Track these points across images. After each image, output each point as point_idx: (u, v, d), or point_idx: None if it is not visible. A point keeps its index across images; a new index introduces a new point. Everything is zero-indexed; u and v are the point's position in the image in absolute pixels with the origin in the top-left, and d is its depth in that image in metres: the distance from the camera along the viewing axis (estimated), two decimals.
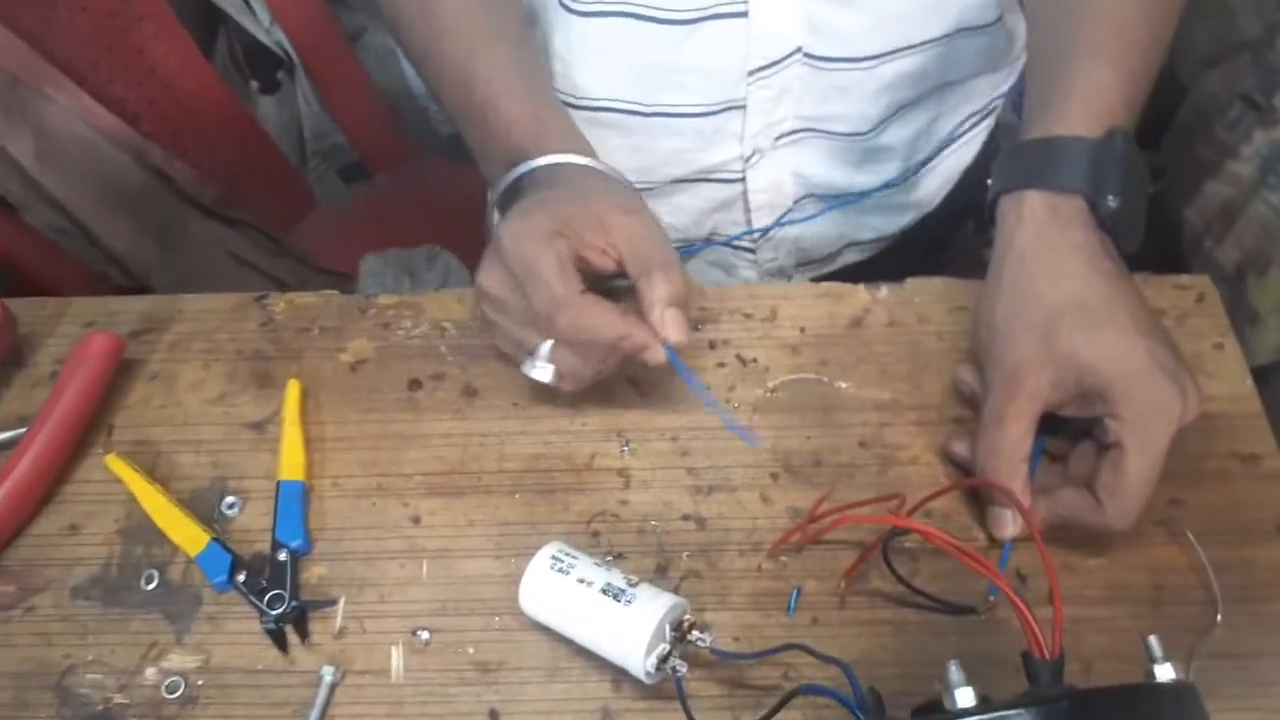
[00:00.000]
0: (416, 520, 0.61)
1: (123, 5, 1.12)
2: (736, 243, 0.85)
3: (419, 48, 0.69)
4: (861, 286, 0.69)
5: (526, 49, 0.71)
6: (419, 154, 1.49)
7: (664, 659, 0.50)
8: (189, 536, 0.59)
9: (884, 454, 0.62)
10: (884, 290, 0.69)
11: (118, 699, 0.55)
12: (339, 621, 0.57)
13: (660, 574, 0.58)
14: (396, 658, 0.56)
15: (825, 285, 0.70)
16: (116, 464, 0.61)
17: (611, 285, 0.60)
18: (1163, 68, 0.63)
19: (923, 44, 0.74)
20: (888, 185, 0.83)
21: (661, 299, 0.56)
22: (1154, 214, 0.60)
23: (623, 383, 0.65)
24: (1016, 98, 0.87)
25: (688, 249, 0.87)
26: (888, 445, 0.62)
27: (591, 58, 0.74)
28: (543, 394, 0.65)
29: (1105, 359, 0.53)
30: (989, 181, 0.61)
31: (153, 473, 0.62)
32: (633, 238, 0.58)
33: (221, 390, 0.66)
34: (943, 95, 0.81)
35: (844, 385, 0.65)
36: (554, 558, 0.54)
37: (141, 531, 0.60)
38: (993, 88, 0.85)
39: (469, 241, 1.12)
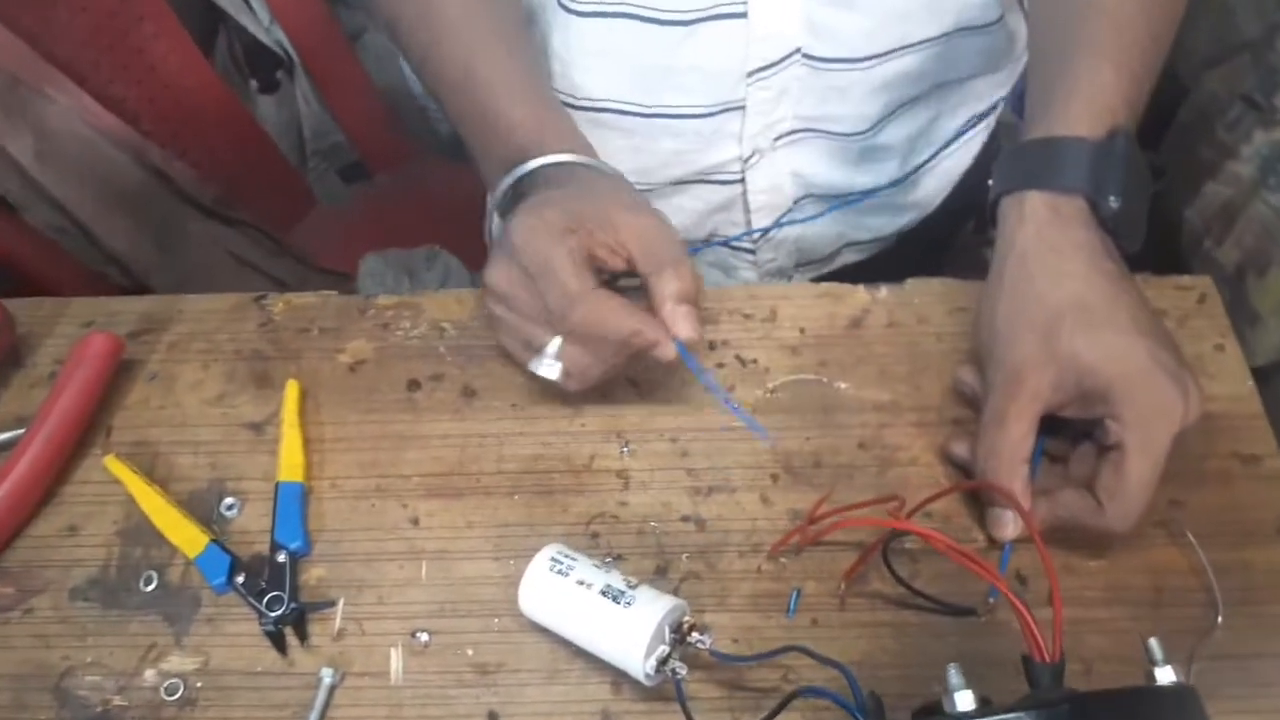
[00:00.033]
0: (415, 521, 0.60)
1: (123, 5, 1.12)
2: (736, 244, 0.85)
3: (419, 51, 0.69)
4: (861, 287, 0.69)
5: (527, 51, 0.71)
6: (419, 154, 1.49)
7: (664, 661, 0.50)
8: (188, 538, 0.59)
9: (883, 455, 0.62)
10: (884, 291, 0.69)
11: (116, 701, 0.55)
12: (338, 623, 0.57)
13: (660, 575, 0.58)
14: (395, 659, 0.56)
15: (825, 286, 0.69)
16: (115, 465, 0.61)
17: (618, 286, 0.60)
18: (1163, 67, 0.63)
19: (922, 43, 0.73)
20: (887, 185, 0.83)
21: (672, 295, 0.57)
22: (1154, 214, 0.59)
23: (622, 384, 0.65)
24: (1017, 98, 0.87)
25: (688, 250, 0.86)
26: (887, 446, 0.62)
27: (590, 58, 0.74)
28: (541, 395, 0.65)
29: (1106, 360, 0.53)
30: (990, 182, 0.61)
31: (151, 474, 0.62)
32: (643, 235, 0.58)
33: (220, 391, 0.66)
34: (943, 95, 0.81)
35: (843, 386, 0.65)
36: (553, 559, 0.54)
37: (140, 533, 0.60)
38: (994, 88, 0.85)
39: (469, 241, 1.12)
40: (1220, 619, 0.55)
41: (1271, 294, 0.87)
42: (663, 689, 0.53)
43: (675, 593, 0.57)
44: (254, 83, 1.39)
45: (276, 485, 0.61)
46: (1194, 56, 1.00)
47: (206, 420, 0.65)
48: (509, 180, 0.62)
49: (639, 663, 0.50)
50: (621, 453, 0.63)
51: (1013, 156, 0.60)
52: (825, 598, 0.57)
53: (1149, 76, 0.61)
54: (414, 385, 0.66)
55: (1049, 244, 0.56)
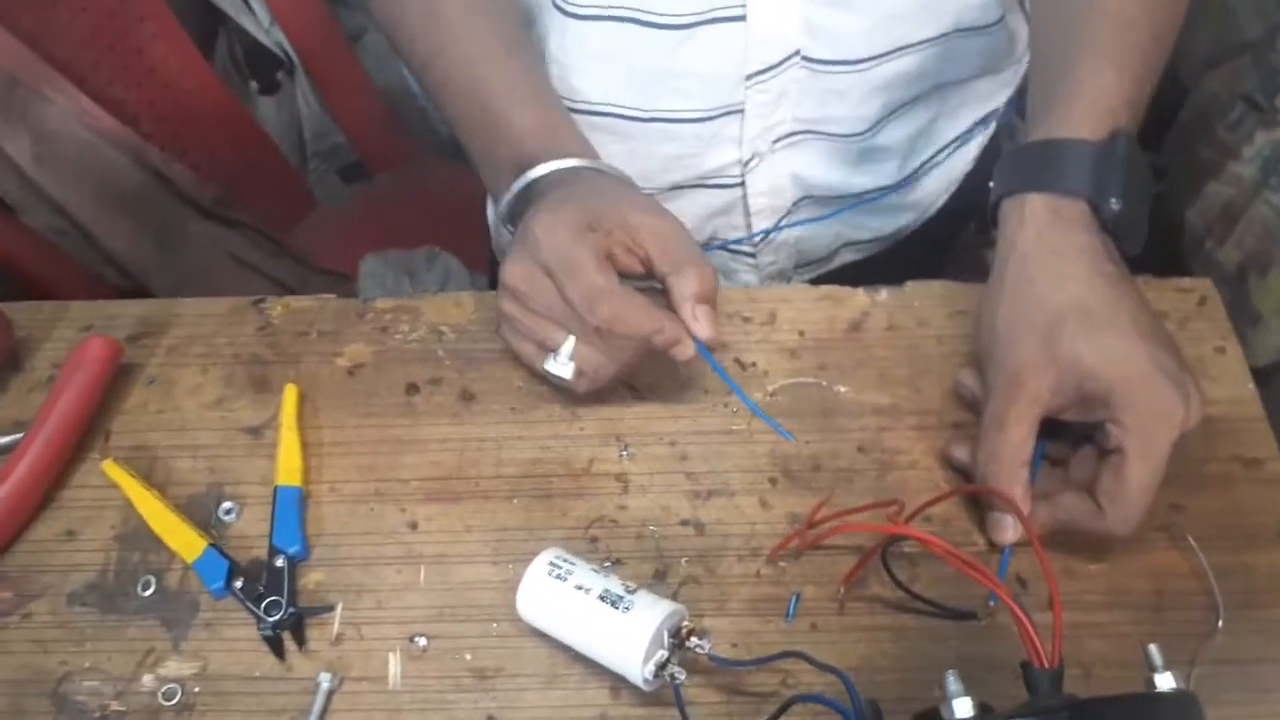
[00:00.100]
0: (414, 526, 0.60)
1: (122, 6, 1.12)
2: (736, 247, 0.85)
3: (420, 57, 0.69)
4: (861, 290, 0.69)
5: (531, 55, 0.71)
6: (419, 154, 1.49)
7: (662, 666, 0.50)
8: (186, 542, 0.59)
9: (883, 459, 0.62)
10: (883, 294, 0.69)
11: (114, 706, 0.55)
12: (336, 628, 0.57)
13: (658, 580, 0.58)
14: (394, 664, 0.56)
15: (824, 289, 0.69)
16: (113, 469, 0.61)
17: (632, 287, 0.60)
18: (1164, 68, 0.62)
19: (920, 44, 0.73)
20: (888, 186, 0.83)
21: (692, 295, 0.57)
22: (1155, 215, 0.59)
23: (621, 387, 0.64)
24: (1018, 98, 0.87)
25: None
26: (887, 450, 0.62)
27: (588, 62, 0.73)
28: (540, 399, 0.65)
29: (1107, 363, 0.53)
30: (991, 184, 0.61)
31: (149, 478, 0.62)
32: (660, 236, 0.58)
33: (219, 395, 0.66)
34: (943, 96, 0.81)
35: (843, 389, 0.65)
36: (551, 564, 0.53)
37: (138, 537, 0.60)
38: (996, 90, 0.85)
39: (469, 242, 1.12)
40: (1221, 623, 0.55)
41: (1273, 294, 0.87)
42: (661, 694, 0.53)
43: (674, 597, 0.57)
44: (254, 84, 1.39)
45: (275, 489, 0.61)
46: (1195, 57, 0.99)
47: (205, 424, 0.65)
48: (519, 185, 0.62)
49: (637, 668, 0.50)
50: (620, 456, 0.63)
51: (1014, 158, 0.60)
52: (824, 602, 0.57)
53: (1150, 78, 0.60)
54: (412, 389, 0.66)
55: (1050, 247, 0.56)
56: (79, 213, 1.05)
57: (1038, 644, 0.43)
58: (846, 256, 0.91)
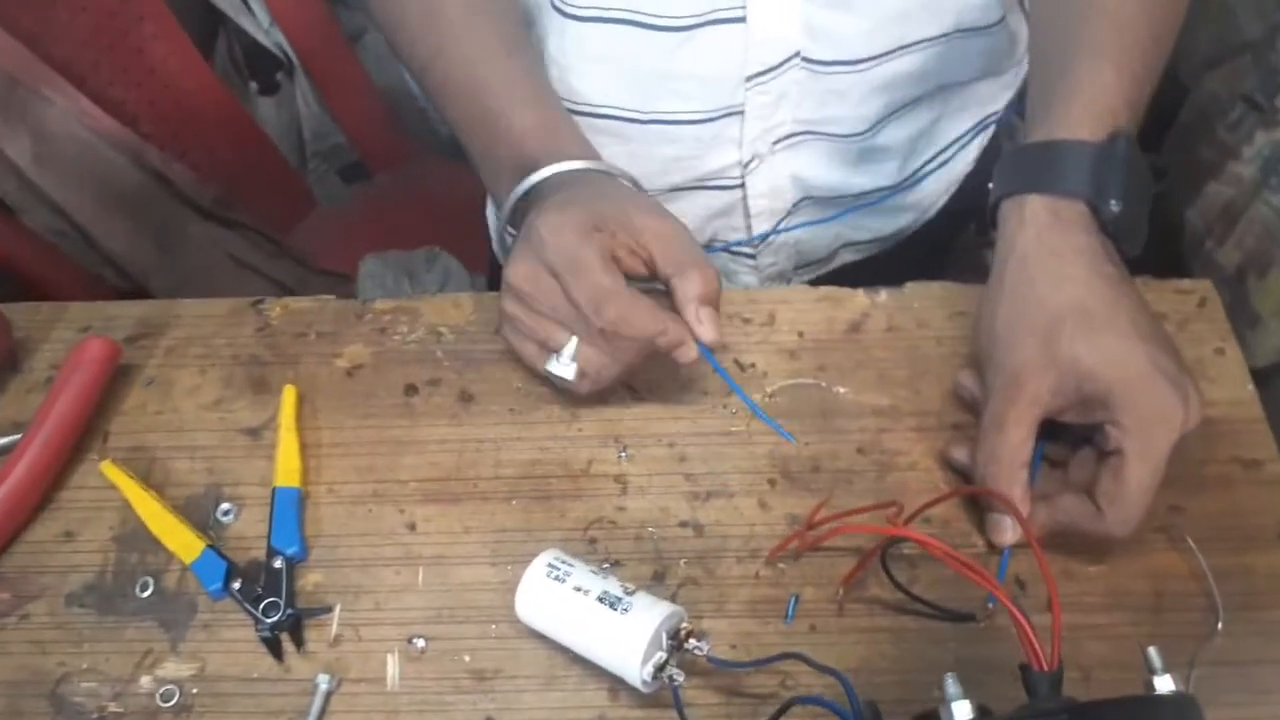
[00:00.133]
0: (412, 527, 0.60)
1: (122, 6, 1.12)
2: (736, 249, 0.85)
3: (421, 59, 0.69)
4: (860, 291, 0.69)
5: (531, 56, 0.71)
6: (419, 154, 1.49)
7: (661, 667, 0.50)
8: (184, 544, 0.59)
9: (882, 460, 0.62)
10: (883, 295, 0.69)
11: (112, 708, 0.55)
12: (334, 629, 0.57)
13: (657, 581, 0.58)
14: (392, 666, 0.56)
15: (824, 290, 0.69)
16: (111, 470, 0.61)
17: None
18: (1164, 68, 0.62)
19: (920, 44, 0.73)
20: (888, 186, 0.83)
21: (696, 297, 0.57)
22: (1155, 215, 0.59)
23: (620, 388, 0.64)
24: (1018, 99, 0.86)
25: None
26: (886, 451, 0.62)
27: (587, 63, 0.73)
28: (539, 400, 0.65)
29: (1106, 364, 0.53)
30: (990, 185, 0.61)
31: (148, 479, 0.62)
32: (663, 237, 0.58)
33: (217, 396, 0.66)
34: (944, 97, 0.81)
35: (842, 390, 0.65)
36: (550, 565, 0.53)
37: (136, 538, 0.60)
38: (997, 91, 0.85)
39: (469, 242, 1.12)
40: (1221, 625, 0.55)
41: (1272, 295, 0.87)
42: (660, 695, 0.52)
43: (673, 598, 0.57)
44: (254, 84, 1.39)
45: (273, 490, 0.60)
46: (1195, 57, 0.99)
47: (203, 425, 0.65)
48: (522, 187, 0.62)
49: (636, 669, 0.50)
50: (619, 458, 0.62)
51: (1013, 159, 0.60)
52: (823, 603, 0.57)
53: (1150, 78, 0.60)
54: (411, 390, 0.66)
55: (1049, 248, 0.56)
56: (78, 213, 1.05)
57: (1037, 646, 0.42)
58: (846, 257, 0.91)
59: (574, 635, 0.52)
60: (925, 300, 0.68)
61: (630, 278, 0.59)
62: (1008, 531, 0.57)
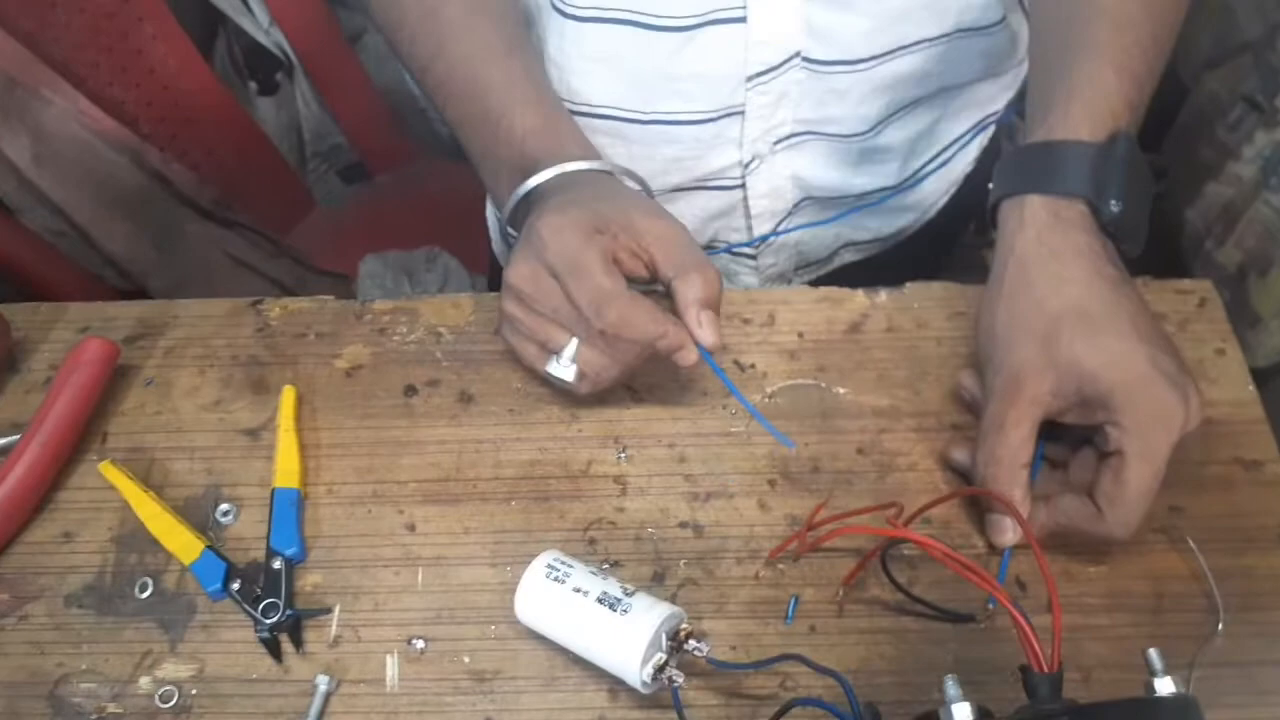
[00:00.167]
0: (412, 528, 0.60)
1: (121, 6, 1.12)
2: (737, 250, 0.85)
3: (420, 59, 0.69)
4: (860, 291, 0.69)
5: (532, 57, 0.70)
6: (419, 154, 1.49)
7: (660, 668, 0.50)
8: (183, 544, 0.59)
9: (882, 460, 0.62)
10: (883, 295, 0.69)
11: (111, 708, 0.55)
12: (334, 630, 0.57)
13: (657, 582, 0.58)
14: (391, 667, 0.56)
15: (824, 290, 0.69)
16: (110, 471, 0.61)
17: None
18: (1164, 68, 0.62)
19: (921, 44, 0.73)
20: (889, 187, 0.83)
21: (697, 300, 0.57)
22: (1155, 215, 0.59)
23: (619, 389, 0.64)
24: (1018, 99, 0.86)
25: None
26: (886, 452, 0.62)
27: (588, 64, 0.73)
28: (538, 400, 0.65)
29: (1106, 366, 0.53)
30: (990, 185, 0.61)
31: (147, 480, 0.62)
32: (665, 239, 0.58)
33: (216, 396, 0.66)
34: (945, 98, 0.81)
35: (842, 391, 0.65)
36: (549, 566, 0.53)
37: (135, 539, 0.60)
38: (998, 92, 0.85)
39: (469, 242, 1.12)
40: (1221, 626, 0.55)
41: (1272, 295, 0.87)
42: (660, 696, 0.52)
43: (672, 599, 0.57)
44: (253, 85, 1.39)
45: (272, 491, 0.60)
46: (1195, 57, 0.99)
47: (202, 426, 0.65)
48: (524, 188, 0.62)
49: (635, 670, 0.50)
50: (619, 458, 0.62)
51: (1013, 160, 0.60)
52: (823, 604, 0.57)
53: (1151, 78, 0.60)
54: (410, 390, 0.66)
55: (1049, 249, 0.56)
56: (77, 214, 1.05)
57: (1037, 648, 0.42)
58: (846, 257, 0.91)
59: (573, 636, 0.52)
60: (925, 300, 0.68)
61: (633, 280, 0.59)
62: (1008, 532, 0.57)
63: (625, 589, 0.52)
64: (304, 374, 0.67)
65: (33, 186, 1.01)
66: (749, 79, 0.72)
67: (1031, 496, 0.56)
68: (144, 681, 0.55)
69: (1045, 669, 0.42)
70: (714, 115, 0.74)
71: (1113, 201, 0.56)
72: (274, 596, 0.57)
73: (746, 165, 0.77)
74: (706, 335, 0.57)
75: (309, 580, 0.59)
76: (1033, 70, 0.66)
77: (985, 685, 0.53)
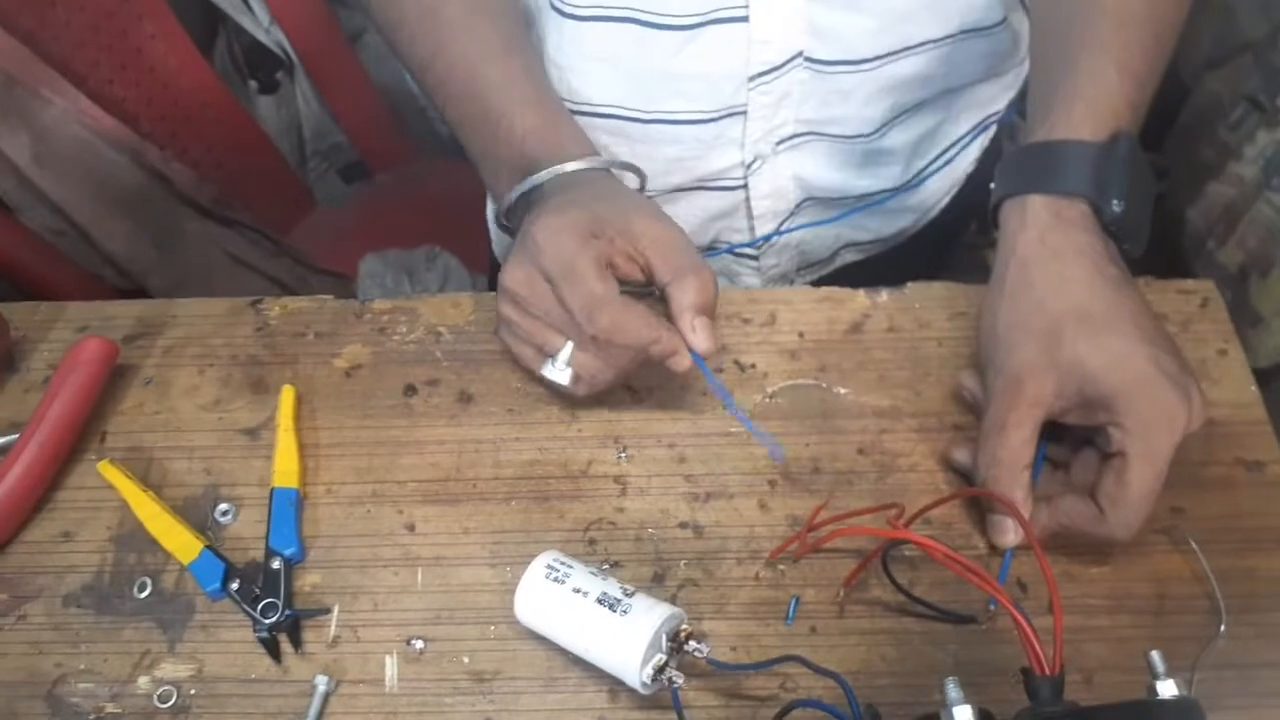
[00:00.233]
0: (411, 528, 0.60)
1: (121, 5, 1.11)
2: (739, 250, 0.84)
3: (420, 59, 0.68)
4: (861, 291, 0.69)
5: (532, 56, 0.70)
6: (419, 153, 1.49)
7: (660, 669, 0.50)
8: (182, 544, 0.58)
9: (883, 461, 0.62)
10: (884, 295, 0.69)
11: (109, 708, 0.54)
12: (333, 630, 0.57)
13: (657, 582, 0.57)
14: (391, 667, 0.55)
15: (824, 290, 0.69)
16: (109, 470, 0.61)
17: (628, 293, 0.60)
18: (1165, 68, 0.62)
19: (925, 45, 0.73)
20: (891, 189, 0.83)
21: (691, 306, 0.57)
22: (1156, 215, 0.59)
23: (619, 389, 0.64)
24: (1019, 99, 0.86)
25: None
26: (887, 452, 0.62)
27: (589, 63, 0.73)
28: (538, 400, 0.64)
29: (1108, 366, 0.53)
30: (992, 185, 0.61)
31: (145, 479, 0.62)
32: (662, 243, 0.58)
33: (215, 396, 0.66)
34: (948, 100, 0.81)
35: (843, 391, 0.64)
36: (549, 566, 0.53)
37: (134, 539, 0.60)
38: (999, 92, 0.85)
39: (469, 242, 1.12)
40: (1223, 627, 0.55)
41: (1274, 296, 0.87)
42: (660, 697, 0.52)
43: (673, 600, 0.56)
44: (253, 83, 1.39)
45: (271, 491, 0.60)
46: (1196, 57, 0.99)
47: (201, 425, 0.64)
48: (522, 188, 0.62)
49: (635, 671, 0.50)
50: (619, 458, 0.62)
51: (1014, 160, 0.60)
52: (824, 605, 0.56)
53: (1153, 78, 0.60)
54: (410, 390, 0.66)
55: (1051, 249, 0.56)
56: (77, 212, 1.04)
57: (1038, 650, 0.42)
58: (847, 257, 0.91)
59: (573, 637, 0.52)
60: (926, 300, 0.68)
61: (627, 283, 0.58)
62: (1009, 533, 0.57)
63: (625, 589, 0.52)
64: (303, 373, 0.66)
65: (32, 185, 1.00)
66: (751, 79, 0.71)
67: (1033, 497, 0.56)
68: (142, 681, 0.55)
69: (1047, 671, 0.42)
70: (716, 115, 0.74)
71: (1114, 201, 0.56)
72: (273, 596, 0.57)
73: (749, 165, 0.77)
74: (700, 341, 0.57)
75: (308, 580, 0.58)
76: (1034, 69, 0.66)
77: (986, 687, 0.53)
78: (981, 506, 0.59)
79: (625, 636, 0.50)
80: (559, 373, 0.59)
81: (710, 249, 0.85)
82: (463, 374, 0.66)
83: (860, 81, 0.73)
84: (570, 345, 0.59)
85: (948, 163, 0.86)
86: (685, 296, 0.57)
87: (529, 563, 0.54)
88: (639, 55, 0.71)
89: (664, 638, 0.50)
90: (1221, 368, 0.64)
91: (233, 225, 1.22)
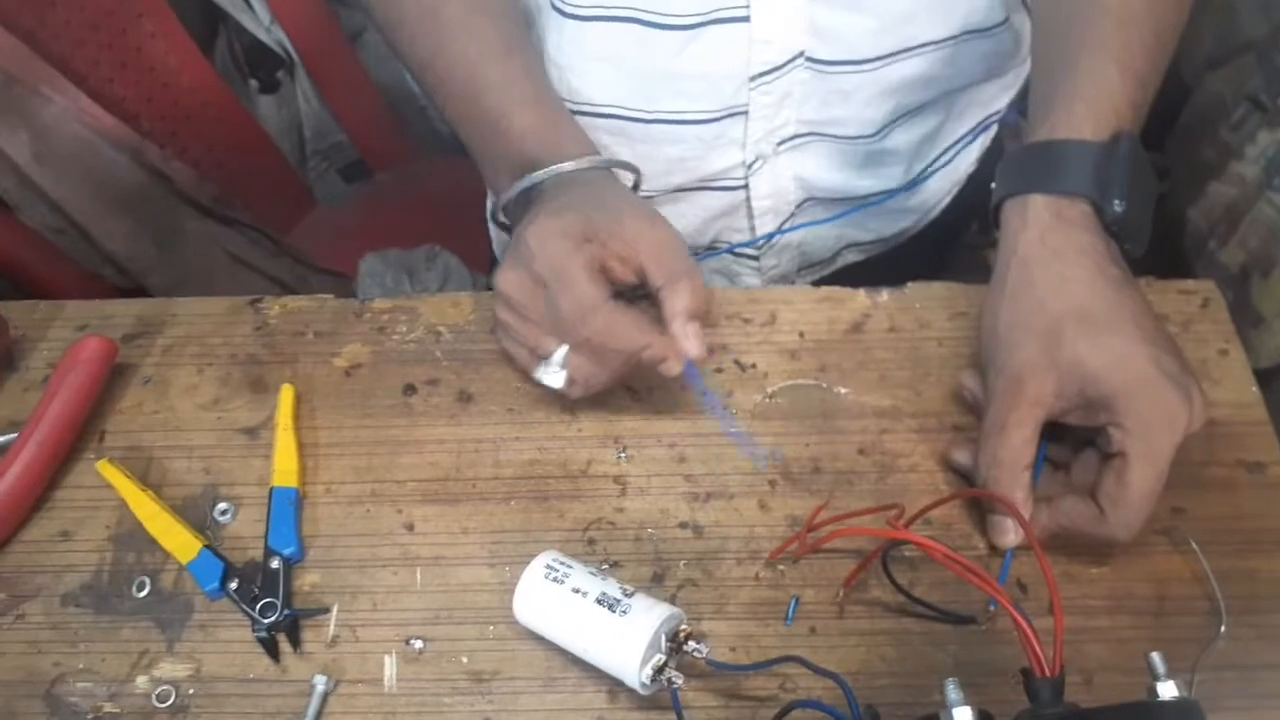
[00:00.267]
0: (410, 527, 0.60)
1: (121, 3, 1.11)
2: (740, 250, 0.84)
3: (420, 58, 0.68)
4: (862, 291, 0.69)
5: (532, 55, 0.70)
6: (419, 152, 1.49)
7: (660, 670, 0.50)
8: (181, 543, 0.58)
9: (883, 461, 0.61)
10: (884, 295, 0.68)
11: (108, 708, 0.54)
12: (332, 630, 0.57)
13: (656, 583, 0.57)
14: (390, 667, 0.55)
15: (825, 290, 0.69)
16: (108, 470, 0.60)
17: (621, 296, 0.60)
18: (1167, 67, 0.62)
19: (927, 45, 0.73)
20: (893, 189, 0.83)
21: (683, 311, 0.57)
22: (1158, 215, 0.59)
23: (619, 389, 0.64)
24: (1020, 98, 0.86)
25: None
26: (887, 452, 0.62)
27: (589, 63, 0.73)
28: (538, 400, 0.64)
29: (1109, 367, 0.52)
30: (993, 185, 0.61)
31: (144, 479, 0.62)
32: (655, 246, 0.58)
33: (215, 395, 0.66)
34: (950, 101, 0.81)
35: (843, 391, 0.64)
36: (548, 567, 0.53)
37: (133, 538, 0.60)
38: (1001, 92, 0.84)
39: (469, 241, 1.12)
40: (1224, 629, 0.54)
41: (1275, 296, 0.86)
42: (659, 698, 0.52)
43: (672, 600, 0.56)
44: (254, 82, 1.39)
45: (270, 490, 0.60)
46: (1198, 56, 0.99)
47: (200, 425, 0.64)
48: (520, 186, 0.62)
49: (635, 672, 0.49)
50: (619, 458, 0.62)
51: (1015, 159, 0.60)
52: (824, 605, 0.56)
53: (1154, 78, 0.60)
54: (410, 390, 0.65)
55: (1052, 249, 0.56)
56: (77, 211, 1.04)
57: (1038, 650, 0.42)
58: (848, 258, 0.91)
59: (572, 637, 0.52)
60: (927, 300, 0.68)
61: (621, 287, 0.58)
62: (1009, 533, 0.57)
63: (624, 590, 0.51)
64: (303, 373, 0.66)
65: (32, 184, 1.00)
66: (752, 79, 0.71)
67: (1034, 498, 0.56)
68: (141, 681, 0.55)
69: (1047, 672, 0.42)
70: (717, 115, 0.73)
71: (1116, 201, 0.56)
72: (272, 596, 0.57)
73: (750, 166, 0.77)
74: (692, 347, 0.57)
75: (307, 580, 0.58)
76: (1035, 69, 0.66)
77: (986, 688, 0.53)
78: (982, 507, 0.59)
79: (624, 637, 0.50)
80: (553, 375, 0.59)
81: (711, 249, 0.85)
82: (462, 373, 0.66)
83: (862, 82, 0.73)
84: (564, 348, 0.59)
85: (949, 163, 0.86)
86: (678, 301, 0.57)
87: (528, 563, 0.53)
88: (640, 55, 0.71)
89: (663, 638, 0.50)
90: (1222, 368, 0.64)
91: (233, 224, 1.22)
